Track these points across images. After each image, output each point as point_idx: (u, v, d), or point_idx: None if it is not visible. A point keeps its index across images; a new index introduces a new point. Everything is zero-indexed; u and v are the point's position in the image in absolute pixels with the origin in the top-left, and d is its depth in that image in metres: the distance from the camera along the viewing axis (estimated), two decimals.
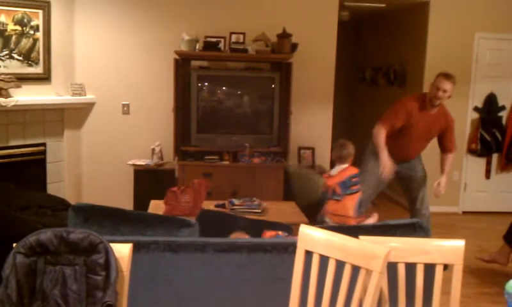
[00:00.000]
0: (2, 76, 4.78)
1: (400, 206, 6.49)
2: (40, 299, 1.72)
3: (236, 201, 4.48)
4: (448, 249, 2.07)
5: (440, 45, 6.26)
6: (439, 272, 2.05)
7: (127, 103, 5.74)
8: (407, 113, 4.37)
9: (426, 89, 6.17)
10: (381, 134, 4.32)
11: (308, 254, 2.07)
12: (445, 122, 4.46)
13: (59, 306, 1.72)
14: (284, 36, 5.38)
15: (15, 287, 1.69)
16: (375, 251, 1.91)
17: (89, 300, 1.72)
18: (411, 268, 2.07)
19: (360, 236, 2.08)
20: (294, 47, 5.46)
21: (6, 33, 4.90)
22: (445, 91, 4.25)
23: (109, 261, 1.73)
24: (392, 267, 2.03)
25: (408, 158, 4.58)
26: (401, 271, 2.07)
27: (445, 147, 4.55)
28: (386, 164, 4.20)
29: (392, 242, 2.07)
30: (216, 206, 4.43)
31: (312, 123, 5.96)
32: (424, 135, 4.47)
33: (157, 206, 4.33)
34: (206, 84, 5.51)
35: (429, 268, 2.07)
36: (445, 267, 2.07)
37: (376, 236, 2.11)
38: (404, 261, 2.07)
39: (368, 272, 1.92)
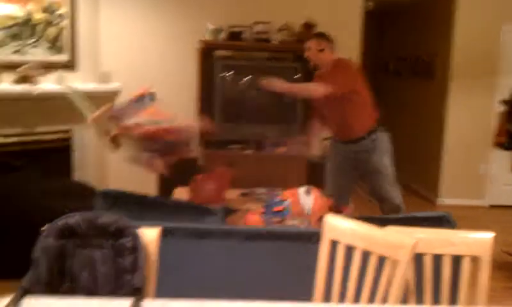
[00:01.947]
0: (30, 64, 4.85)
1: (423, 199, 6.44)
2: (69, 281, 1.75)
3: (259, 190, 4.49)
4: (476, 242, 2.04)
5: (466, 37, 6.16)
6: (466, 265, 2.03)
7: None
8: None
9: (454, 81, 6.13)
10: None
11: (333, 244, 2.06)
12: (332, 69, 4.07)
13: (88, 288, 1.74)
14: (308, 26, 5.36)
15: (44, 269, 1.72)
16: (402, 241, 1.90)
17: (117, 284, 1.75)
18: (437, 260, 2.05)
19: (387, 227, 2.06)
20: None
21: (34, 21, 4.95)
22: (308, 48, 4.14)
23: (136, 245, 1.75)
24: (418, 258, 2.02)
25: (346, 135, 4.21)
26: (427, 262, 2.05)
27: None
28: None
29: (419, 233, 2.05)
30: (240, 195, 4.45)
31: None
32: (330, 99, 3.95)
33: (180, 194, 4.35)
34: (230, 73, 5.51)
35: (456, 261, 2.05)
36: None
37: (403, 227, 2.09)
38: (431, 252, 2.05)
39: (395, 263, 1.90)
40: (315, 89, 4.03)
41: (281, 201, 3.25)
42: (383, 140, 4.19)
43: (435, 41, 6.76)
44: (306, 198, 3.17)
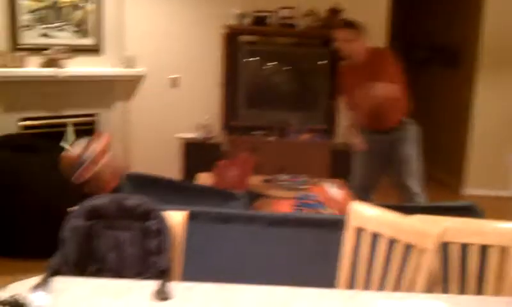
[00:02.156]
0: (56, 47, 4.89)
1: (447, 189, 6.37)
2: (97, 261, 1.77)
3: (282, 177, 4.48)
4: (505, 232, 2.01)
5: (496, 24, 6.02)
6: (494, 255, 2.00)
7: (176, 76, 5.78)
8: (340, 77, 4.29)
9: (482, 69, 6.01)
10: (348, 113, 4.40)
11: (358, 231, 2.05)
12: (381, 62, 4.02)
13: (115, 269, 1.76)
14: (334, 11, 5.30)
15: (72, 250, 1.74)
16: (429, 229, 1.88)
17: (144, 265, 1.76)
18: (465, 249, 2.03)
19: (415, 216, 2.04)
20: None
21: (59, 5, 4.98)
22: (337, 39, 4.05)
23: (163, 228, 1.76)
24: (445, 247, 1.99)
25: (382, 124, 4.18)
26: (455, 252, 2.02)
27: None
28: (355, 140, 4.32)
29: (447, 222, 2.02)
30: (263, 181, 4.45)
31: None
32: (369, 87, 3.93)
33: (204, 179, 4.36)
34: (254, 59, 5.49)
35: (483, 251, 2.02)
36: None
37: (431, 216, 2.06)
38: (459, 241, 2.02)
39: (421, 251, 1.89)
40: (393, 91, 3.89)
41: (312, 195, 3.25)
42: (414, 130, 4.19)
43: (463, 27, 6.63)
44: (335, 191, 3.17)
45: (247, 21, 5.37)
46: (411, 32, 8.65)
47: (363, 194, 4.19)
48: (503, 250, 2.00)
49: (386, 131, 4.20)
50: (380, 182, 4.48)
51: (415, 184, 4.15)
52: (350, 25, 4.12)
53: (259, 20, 5.35)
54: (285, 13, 5.48)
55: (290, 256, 2.67)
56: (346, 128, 4.43)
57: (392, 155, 4.21)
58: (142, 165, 5.73)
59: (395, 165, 4.24)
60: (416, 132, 4.20)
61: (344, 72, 4.27)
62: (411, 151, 4.16)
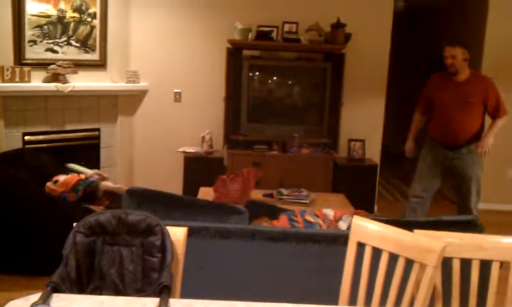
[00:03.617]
0: (60, 62, 4.93)
1: (450, 202, 6.35)
2: (98, 278, 1.77)
3: (284, 191, 4.48)
4: (506, 247, 2.01)
5: (497, 39, 6.06)
6: (495, 270, 1.99)
7: (179, 91, 5.82)
8: (431, 84, 4.55)
9: None
10: (414, 115, 4.75)
11: (360, 246, 2.05)
12: (483, 87, 4.33)
13: (116, 285, 1.76)
14: (338, 26, 5.33)
15: (74, 265, 1.74)
16: (430, 245, 1.88)
17: (145, 281, 1.76)
18: (466, 264, 2.02)
19: (415, 231, 2.04)
20: (348, 37, 5.40)
21: (65, 20, 5.03)
22: (453, 56, 4.24)
23: (165, 243, 1.77)
24: (446, 262, 1.99)
25: (453, 138, 4.40)
26: (456, 267, 2.02)
27: (490, 114, 4.41)
28: (407, 144, 4.73)
29: (448, 237, 2.02)
30: (264, 195, 4.45)
31: (363, 115, 5.89)
32: (458, 103, 4.31)
33: (206, 194, 4.37)
34: (257, 73, 5.52)
35: (485, 266, 2.02)
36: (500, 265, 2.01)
37: (431, 231, 2.06)
38: (460, 256, 2.02)
39: (423, 267, 1.88)
40: (503, 121, 4.41)
41: (315, 215, 3.25)
42: (476, 150, 4.42)
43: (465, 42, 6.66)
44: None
45: (251, 36, 5.40)
46: (414, 46, 8.69)
47: (420, 203, 4.59)
48: (504, 265, 1.99)
49: (450, 147, 4.42)
50: (433, 195, 4.71)
51: (474, 206, 4.44)
52: (463, 44, 4.31)
53: (263, 35, 5.37)
54: (289, 27, 5.51)
55: (291, 271, 2.67)
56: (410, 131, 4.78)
57: (453, 171, 4.47)
58: (145, 179, 5.78)
59: (458, 182, 4.50)
60: (480, 153, 4.43)
61: (434, 80, 4.55)
62: (474, 169, 4.41)
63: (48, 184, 4.05)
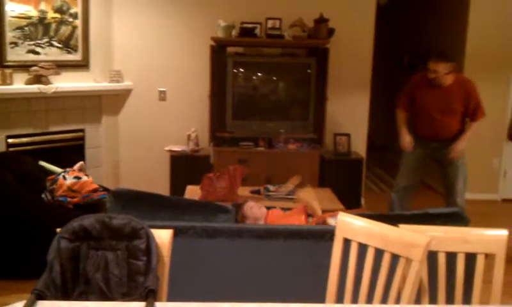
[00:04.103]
0: (43, 63, 4.88)
1: (436, 193, 6.39)
2: (83, 283, 1.76)
3: (271, 187, 4.49)
4: (490, 239, 2.03)
5: (480, 30, 6.10)
6: (480, 262, 2.01)
7: (164, 89, 5.79)
8: (411, 86, 4.67)
9: (467, 74, 6.05)
10: (398, 112, 4.78)
11: (347, 242, 2.06)
12: (464, 93, 4.46)
13: (101, 290, 1.75)
14: (321, 21, 5.33)
15: (58, 271, 1.73)
16: (415, 239, 1.89)
17: (131, 285, 1.75)
18: (451, 257, 2.04)
19: (400, 225, 2.05)
20: (331, 32, 5.40)
21: (46, 21, 4.98)
22: (435, 71, 4.37)
23: (150, 246, 1.76)
24: (431, 256, 2.01)
25: (437, 135, 4.57)
26: (441, 260, 2.04)
27: (468, 115, 4.54)
28: (404, 138, 4.66)
29: (432, 231, 2.04)
30: (251, 192, 4.45)
31: (348, 109, 5.90)
32: (442, 108, 4.47)
33: (193, 192, 4.37)
34: (242, 70, 5.50)
35: (470, 258, 2.03)
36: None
37: (416, 225, 2.08)
38: (445, 250, 2.04)
39: (408, 261, 1.90)
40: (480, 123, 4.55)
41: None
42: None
43: (449, 34, 6.70)
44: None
45: (234, 32, 5.38)
46: (399, 39, 8.73)
47: (406, 194, 4.77)
48: (488, 257, 2.01)
49: (437, 140, 4.57)
50: (418, 186, 4.91)
51: (461, 194, 4.58)
52: (444, 58, 4.44)
53: (246, 32, 5.36)
54: (272, 23, 5.50)
55: (279, 268, 2.67)
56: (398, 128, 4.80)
57: (442, 157, 4.58)
58: (132, 179, 5.75)
59: (446, 168, 4.62)
60: (451, 157, 4.56)
61: (416, 80, 4.65)
62: (462, 162, 4.56)
63: (67, 181, 4.00)
